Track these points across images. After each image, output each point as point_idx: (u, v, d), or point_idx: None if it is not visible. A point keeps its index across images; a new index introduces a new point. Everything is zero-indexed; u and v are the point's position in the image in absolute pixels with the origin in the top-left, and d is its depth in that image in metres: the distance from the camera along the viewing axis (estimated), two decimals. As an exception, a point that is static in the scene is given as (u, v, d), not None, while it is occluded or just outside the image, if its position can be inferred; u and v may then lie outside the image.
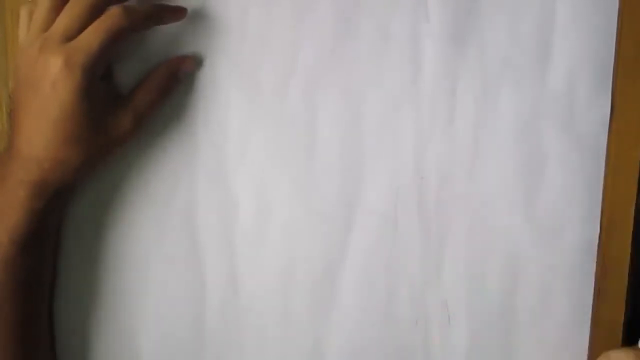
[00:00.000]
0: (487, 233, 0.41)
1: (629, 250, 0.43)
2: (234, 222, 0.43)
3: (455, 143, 0.42)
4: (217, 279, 0.43)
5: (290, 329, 0.43)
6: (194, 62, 0.41)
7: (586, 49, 0.41)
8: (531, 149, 0.42)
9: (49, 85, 0.36)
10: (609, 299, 0.43)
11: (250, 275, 0.43)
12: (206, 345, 0.44)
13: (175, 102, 0.42)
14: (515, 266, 0.42)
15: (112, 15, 0.36)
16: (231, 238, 0.43)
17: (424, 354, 0.43)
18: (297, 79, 0.42)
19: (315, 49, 0.41)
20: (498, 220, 0.42)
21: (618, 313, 0.43)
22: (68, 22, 0.36)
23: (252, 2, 0.41)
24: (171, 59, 0.41)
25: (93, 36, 0.36)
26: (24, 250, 0.37)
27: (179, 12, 0.39)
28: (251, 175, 0.43)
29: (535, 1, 0.41)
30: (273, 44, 0.41)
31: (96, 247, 0.43)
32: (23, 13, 0.39)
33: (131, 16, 0.37)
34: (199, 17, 0.41)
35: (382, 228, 0.43)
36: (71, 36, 0.36)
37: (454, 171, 0.42)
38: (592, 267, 0.43)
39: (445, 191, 0.42)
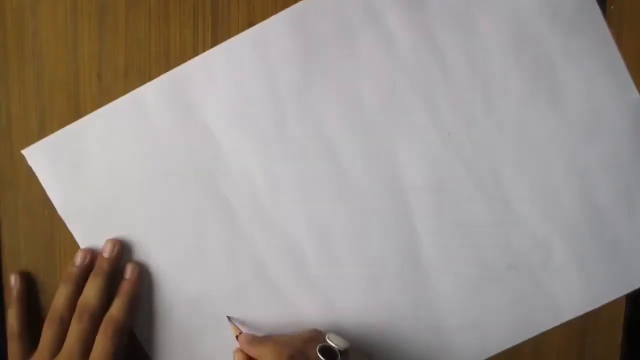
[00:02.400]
0: (536, 154, 0.40)
1: (628, 250, 0.43)
2: (303, 257, 0.43)
3: (462, 90, 0.41)
4: (312, 312, 0.43)
5: (397, 326, 0.43)
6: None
7: None
8: (534, 57, 0.41)
9: None
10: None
11: (339, 297, 0.43)
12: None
13: (191, 179, 0.42)
14: (579, 170, 0.42)
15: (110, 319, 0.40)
16: (307, 273, 0.43)
17: (538, 293, 0.43)
18: (287, 103, 0.42)
19: (291, 71, 0.41)
20: (540, 138, 0.41)
21: (618, 314, 0.43)
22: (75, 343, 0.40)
23: (214, 61, 0.41)
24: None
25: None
26: None
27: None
28: (295, 206, 0.42)
29: None
30: (251, 85, 0.41)
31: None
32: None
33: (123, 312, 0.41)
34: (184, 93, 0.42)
35: (439, 198, 0.42)
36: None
37: (475, 115, 0.42)
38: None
39: (477, 136, 0.42)
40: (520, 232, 0.42)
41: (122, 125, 0.42)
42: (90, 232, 0.43)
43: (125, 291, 0.42)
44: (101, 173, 0.42)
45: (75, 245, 0.43)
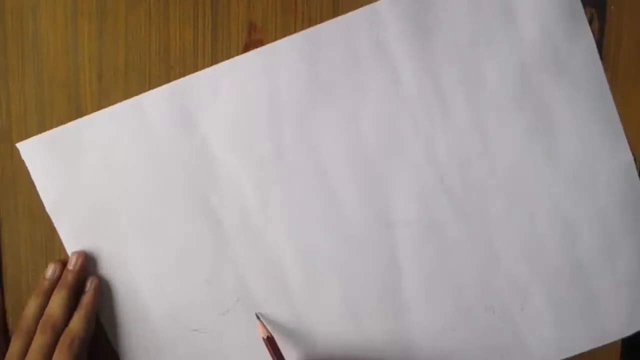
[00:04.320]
0: (524, 202, 0.40)
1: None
2: (286, 279, 0.43)
3: (460, 131, 0.42)
4: (289, 335, 0.44)
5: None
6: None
7: None
8: (533, 105, 0.41)
9: None
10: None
11: (317, 322, 0.43)
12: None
13: (187, 192, 0.42)
14: (565, 220, 0.42)
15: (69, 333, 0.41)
16: (288, 294, 0.43)
17: (512, 336, 0.43)
18: (287, 127, 0.42)
19: (294, 95, 0.42)
20: (530, 186, 0.42)
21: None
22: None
23: (220, 76, 0.42)
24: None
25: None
26: None
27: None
28: (283, 229, 0.43)
29: None
30: (254, 105, 0.42)
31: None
32: None
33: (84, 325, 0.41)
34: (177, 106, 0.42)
35: (424, 235, 0.43)
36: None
37: (469, 157, 0.42)
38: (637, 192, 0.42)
39: (469, 179, 0.42)
40: (501, 275, 0.43)
41: (120, 130, 0.42)
42: (76, 233, 0.43)
43: (83, 304, 0.42)
44: (93, 175, 0.42)
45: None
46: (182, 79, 0.42)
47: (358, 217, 0.42)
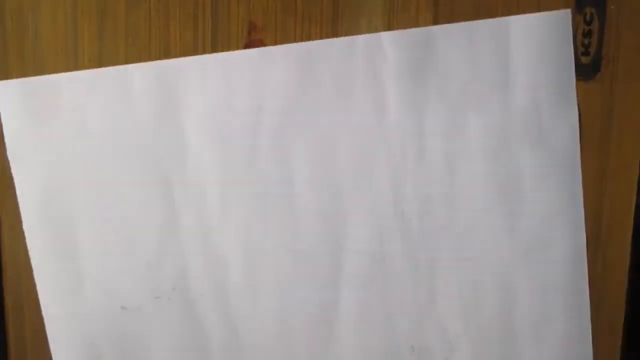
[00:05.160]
0: (474, 259, 0.41)
1: (629, 250, 0.43)
2: (225, 279, 0.43)
3: (429, 174, 0.42)
4: (217, 336, 0.44)
5: None
6: None
7: (544, 64, 0.41)
8: (506, 169, 0.42)
9: None
10: (608, 300, 0.43)
11: (249, 329, 0.44)
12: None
13: (151, 171, 0.42)
14: (508, 287, 0.43)
15: None
16: (225, 295, 0.43)
17: None
18: (266, 135, 0.42)
19: (279, 103, 0.42)
20: (484, 244, 0.42)
21: (618, 315, 0.43)
22: None
23: (212, 67, 0.42)
24: None
25: None
26: None
27: None
28: (235, 232, 0.43)
29: (487, 25, 0.41)
30: (237, 103, 0.42)
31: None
32: None
33: None
34: (162, 82, 0.42)
35: (371, 266, 0.43)
36: None
37: (433, 202, 0.42)
38: (584, 277, 0.43)
39: (428, 222, 0.43)
40: (433, 322, 0.43)
41: (101, 94, 0.42)
42: (30, 185, 0.42)
43: None
44: (63, 133, 0.42)
45: (75, 246, 0.43)
46: (175, 60, 0.42)
47: (312, 235, 0.43)
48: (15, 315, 0.45)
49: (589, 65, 0.42)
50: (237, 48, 0.42)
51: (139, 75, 0.42)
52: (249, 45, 0.42)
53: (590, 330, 0.43)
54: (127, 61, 0.42)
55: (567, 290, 0.43)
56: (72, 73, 0.42)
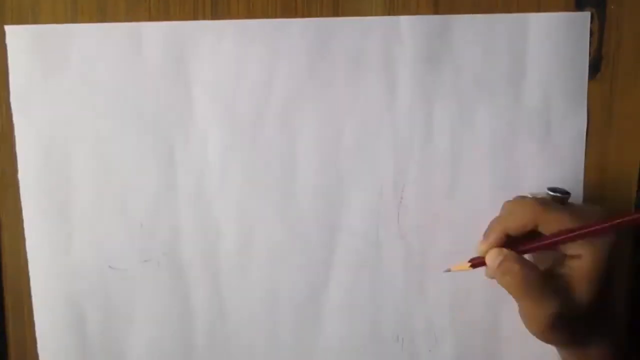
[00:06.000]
0: (468, 250, 0.40)
1: (629, 250, 0.43)
2: (217, 248, 0.43)
3: (433, 163, 0.42)
4: (203, 305, 0.44)
5: (277, 351, 0.44)
6: None
7: (559, 65, 0.42)
8: (509, 165, 0.42)
9: None
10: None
11: (236, 300, 0.44)
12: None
13: (154, 132, 0.42)
14: (497, 285, 0.42)
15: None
16: (215, 264, 0.43)
17: None
18: (273, 106, 0.42)
19: (290, 76, 0.41)
20: (477, 236, 0.41)
21: (618, 315, 0.43)
22: None
23: (225, 33, 0.41)
24: None
25: None
26: None
27: None
28: (232, 202, 0.43)
29: (507, 19, 0.41)
30: (248, 71, 0.42)
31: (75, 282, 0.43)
32: None
33: None
34: (176, 50, 0.42)
35: (365, 249, 0.43)
36: None
37: (433, 190, 0.42)
38: None
39: (425, 210, 0.43)
40: (422, 313, 0.44)
41: (111, 49, 0.41)
42: (31, 135, 0.42)
43: None
44: (69, 84, 0.42)
45: (75, 245, 0.43)
46: (188, 22, 0.41)
47: (308, 211, 0.43)
48: (15, 315, 0.45)
49: (589, 65, 0.42)
50: (237, 48, 0.42)
51: (149, 33, 0.41)
52: (249, 45, 0.42)
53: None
54: (127, 61, 0.42)
55: None
56: (82, 25, 0.41)
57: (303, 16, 0.42)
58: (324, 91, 0.42)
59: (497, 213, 0.39)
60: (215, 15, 0.42)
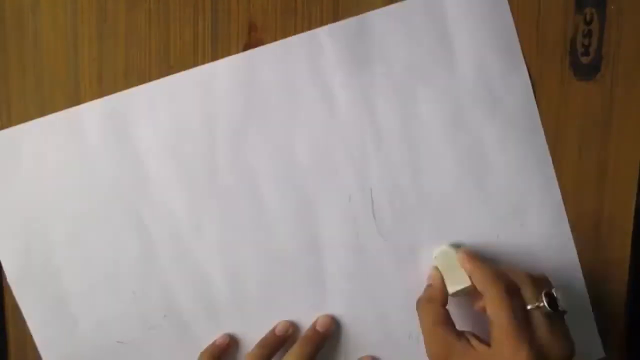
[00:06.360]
0: (451, 230, 0.40)
1: (629, 250, 0.43)
2: (214, 297, 0.43)
3: (391, 159, 0.42)
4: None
5: None
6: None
7: (484, 30, 0.41)
8: (466, 138, 0.42)
9: None
10: (608, 300, 0.43)
11: (241, 337, 0.44)
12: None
13: (120, 203, 0.43)
14: (487, 254, 0.42)
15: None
16: (213, 307, 0.43)
17: None
18: (222, 148, 0.42)
19: (230, 114, 0.42)
20: (460, 219, 0.42)
21: (618, 314, 0.43)
22: None
23: (158, 92, 0.42)
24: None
25: None
26: None
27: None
28: (212, 248, 0.43)
29: (421, 2, 0.41)
30: (190, 122, 0.42)
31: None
32: None
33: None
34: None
35: (352, 259, 0.43)
36: None
37: (401, 186, 0.42)
38: (569, 237, 0.43)
39: (400, 207, 0.43)
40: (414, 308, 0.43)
41: (56, 139, 0.42)
42: (7, 238, 0.43)
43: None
44: (28, 183, 0.43)
45: (75, 246, 0.43)
46: (118, 94, 0.42)
47: (288, 237, 0.43)
48: (16, 315, 0.45)
49: (589, 65, 0.42)
50: (237, 48, 0.42)
51: (86, 115, 0.42)
52: (248, 45, 0.42)
53: (584, 282, 0.43)
54: (127, 61, 0.42)
55: (550, 246, 0.43)
56: (26, 124, 0.42)
57: (303, 16, 0.42)
58: (266, 120, 0.42)
59: (467, 190, 0.40)
60: (216, 15, 0.42)
